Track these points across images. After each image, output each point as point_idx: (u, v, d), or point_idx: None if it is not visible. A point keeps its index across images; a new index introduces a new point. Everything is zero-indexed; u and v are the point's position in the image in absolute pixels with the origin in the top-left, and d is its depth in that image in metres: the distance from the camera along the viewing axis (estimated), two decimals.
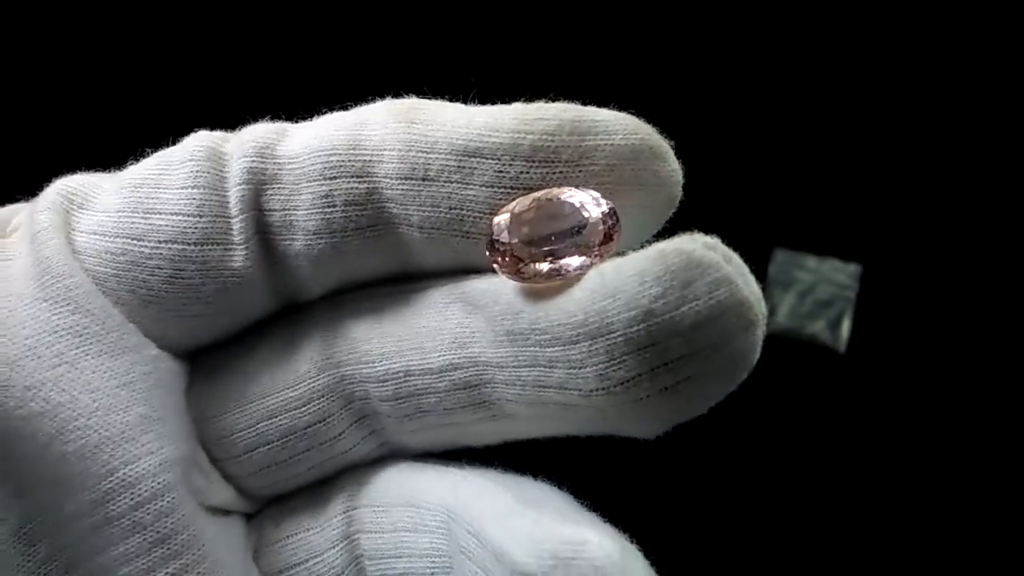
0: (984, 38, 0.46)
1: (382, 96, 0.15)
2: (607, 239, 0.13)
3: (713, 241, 0.12)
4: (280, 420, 0.15)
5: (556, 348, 0.13)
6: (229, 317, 0.15)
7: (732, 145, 0.45)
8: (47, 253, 0.14)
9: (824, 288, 0.43)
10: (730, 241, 0.13)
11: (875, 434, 0.42)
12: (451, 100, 0.15)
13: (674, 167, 0.13)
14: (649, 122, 0.14)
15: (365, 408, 0.15)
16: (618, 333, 0.12)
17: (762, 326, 0.12)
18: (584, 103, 0.14)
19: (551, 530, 0.12)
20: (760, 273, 0.49)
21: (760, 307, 0.12)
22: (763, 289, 0.46)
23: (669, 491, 0.40)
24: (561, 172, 0.13)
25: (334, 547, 0.15)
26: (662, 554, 0.14)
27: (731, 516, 0.41)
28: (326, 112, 0.15)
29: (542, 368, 0.13)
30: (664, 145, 0.13)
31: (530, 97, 0.14)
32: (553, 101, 0.13)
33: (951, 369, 0.42)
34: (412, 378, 0.14)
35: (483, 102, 0.14)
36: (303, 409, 0.15)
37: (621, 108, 0.14)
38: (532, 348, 0.13)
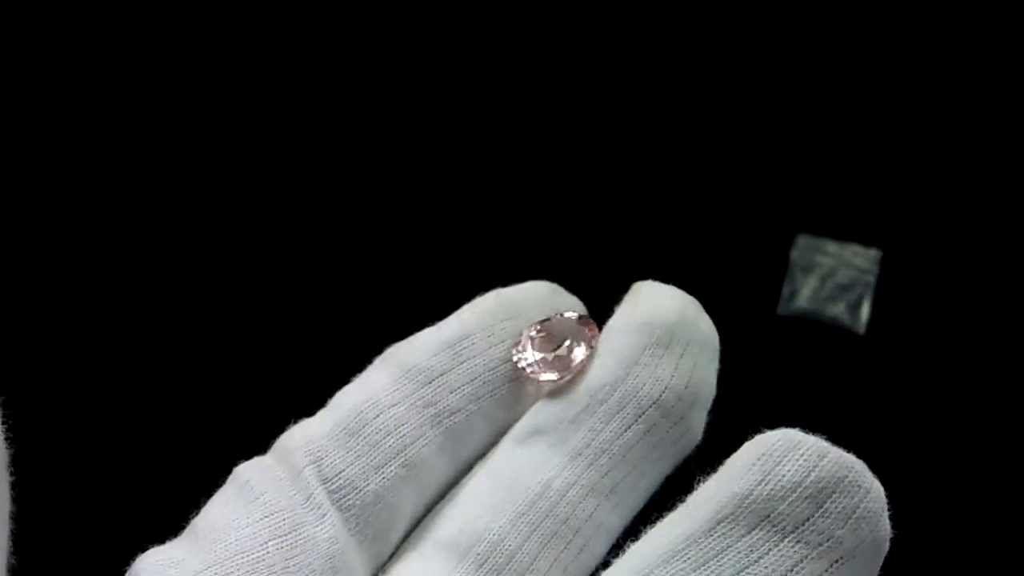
0: (1002, 23, 0.46)
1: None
2: (588, 328, 0.17)
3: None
4: None
5: (618, 390, 0.16)
6: None
7: (756, 133, 0.46)
8: None
9: (845, 272, 0.44)
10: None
11: (893, 413, 0.43)
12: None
13: (569, 298, 0.18)
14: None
15: None
16: (648, 346, 0.16)
17: (696, 302, 0.17)
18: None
19: (731, 468, 0.14)
20: (783, 257, 0.50)
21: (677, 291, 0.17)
22: (786, 273, 0.47)
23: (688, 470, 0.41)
24: (523, 319, 0.17)
25: None
26: None
27: None
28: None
29: (616, 415, 0.16)
30: (556, 287, 0.18)
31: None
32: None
33: (968, 352, 0.43)
34: (524, 517, 0.16)
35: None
36: None
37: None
38: (600, 408, 0.16)
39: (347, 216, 0.45)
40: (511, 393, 0.17)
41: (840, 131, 0.46)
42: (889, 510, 0.14)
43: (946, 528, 0.41)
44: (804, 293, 0.44)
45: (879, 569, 0.15)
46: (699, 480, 0.15)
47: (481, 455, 0.17)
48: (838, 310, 0.44)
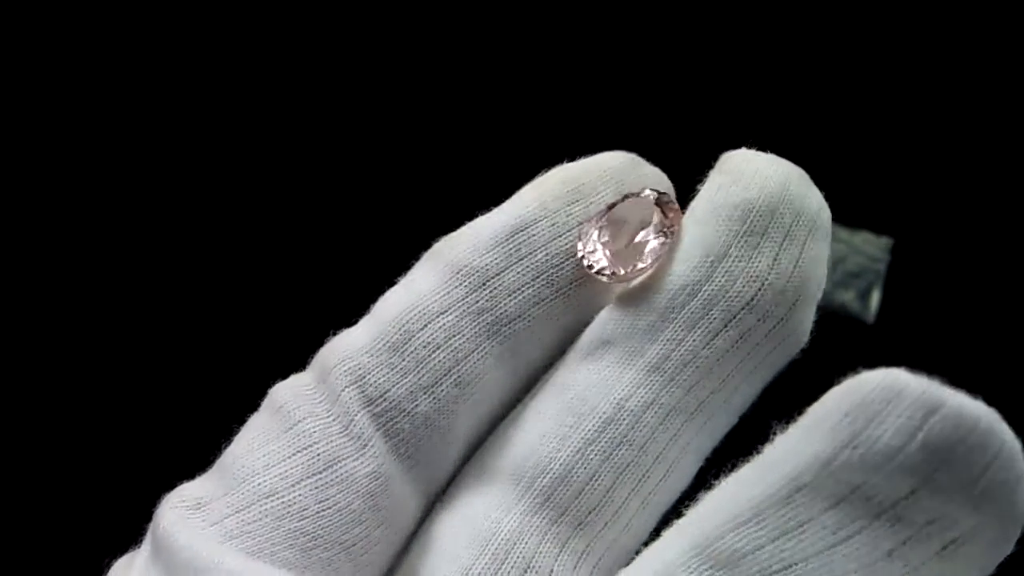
0: (1017, 10, 0.46)
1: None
2: (664, 212, 0.14)
3: (742, 149, 0.15)
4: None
5: (703, 290, 0.14)
6: (387, 531, 0.14)
7: (767, 120, 0.46)
8: (189, 555, 0.13)
9: (855, 259, 0.44)
10: None
11: None
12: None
13: (653, 169, 0.16)
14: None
15: (564, 529, 0.14)
16: (741, 232, 0.14)
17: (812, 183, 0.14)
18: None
19: (817, 412, 0.12)
20: None
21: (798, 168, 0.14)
22: None
23: None
24: (591, 203, 0.15)
25: None
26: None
27: None
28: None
29: (702, 320, 0.14)
30: (635, 156, 0.16)
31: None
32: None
33: (978, 341, 0.43)
34: (594, 444, 0.14)
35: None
36: (502, 570, 0.14)
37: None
38: (683, 311, 0.14)
39: (347, 206, 0.45)
40: (581, 294, 0.15)
41: (852, 119, 0.46)
42: None
43: None
44: None
45: (1011, 551, 0.11)
46: (776, 428, 0.12)
47: (548, 365, 0.15)
48: (848, 297, 0.44)
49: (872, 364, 0.41)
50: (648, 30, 0.47)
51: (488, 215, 0.15)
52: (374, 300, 0.15)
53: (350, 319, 0.16)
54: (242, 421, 0.15)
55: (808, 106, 0.46)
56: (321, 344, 0.15)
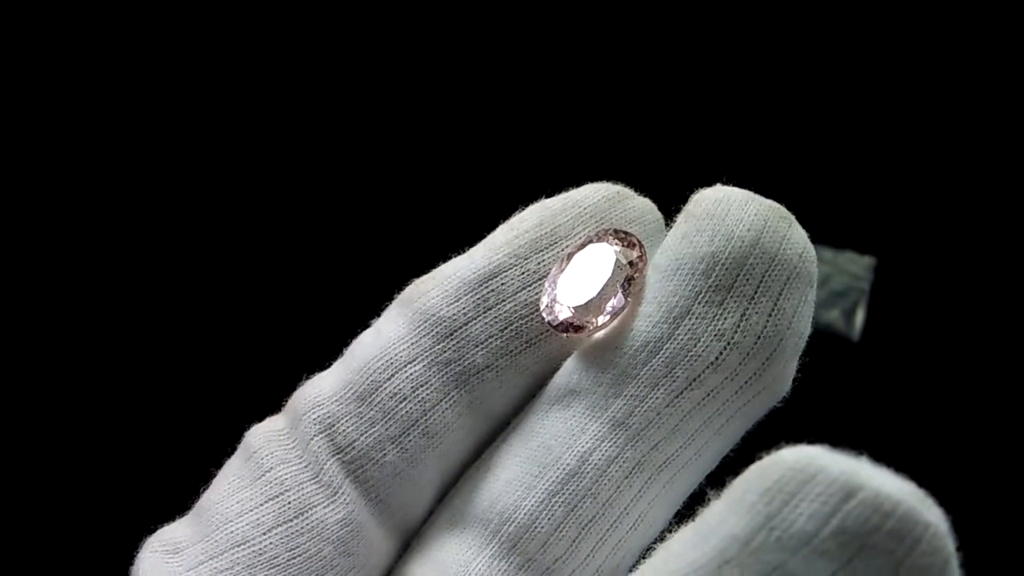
0: (1001, 28, 0.46)
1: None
2: (631, 260, 0.14)
3: (715, 185, 0.14)
4: None
5: (664, 348, 0.13)
6: (358, 575, 0.14)
7: (750, 140, 0.46)
8: None
9: (840, 279, 0.45)
10: None
11: (887, 420, 0.43)
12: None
13: (643, 200, 0.15)
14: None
15: (531, 574, 0.14)
16: (705, 289, 0.13)
17: (796, 223, 0.13)
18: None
19: (738, 488, 0.11)
20: None
21: (784, 209, 0.13)
22: None
23: None
24: (566, 246, 0.15)
25: None
26: None
27: None
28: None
29: (664, 378, 0.13)
30: (625, 189, 0.15)
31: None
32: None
33: (962, 359, 0.43)
34: (558, 496, 0.14)
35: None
36: None
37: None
38: (644, 369, 0.13)
39: (347, 201, 0.45)
40: (550, 343, 0.14)
41: (834, 138, 0.46)
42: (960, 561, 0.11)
43: None
44: None
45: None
46: (710, 494, 0.12)
47: (518, 408, 0.15)
48: (833, 316, 0.44)
49: (858, 383, 0.41)
50: (609, 64, 0.47)
51: (459, 259, 0.15)
52: (355, 328, 0.15)
53: (331, 350, 0.16)
54: (221, 451, 0.15)
55: (792, 125, 0.47)
56: (300, 376, 0.16)
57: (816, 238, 0.14)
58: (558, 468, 0.14)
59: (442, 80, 0.47)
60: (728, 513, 0.11)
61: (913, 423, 0.43)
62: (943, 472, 0.42)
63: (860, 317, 0.44)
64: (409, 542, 0.15)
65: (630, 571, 0.14)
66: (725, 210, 0.13)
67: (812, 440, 0.11)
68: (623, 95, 0.47)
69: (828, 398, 0.43)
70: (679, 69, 0.47)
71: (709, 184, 0.15)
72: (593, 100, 0.47)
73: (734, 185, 0.14)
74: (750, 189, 0.14)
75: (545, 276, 0.14)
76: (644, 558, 0.14)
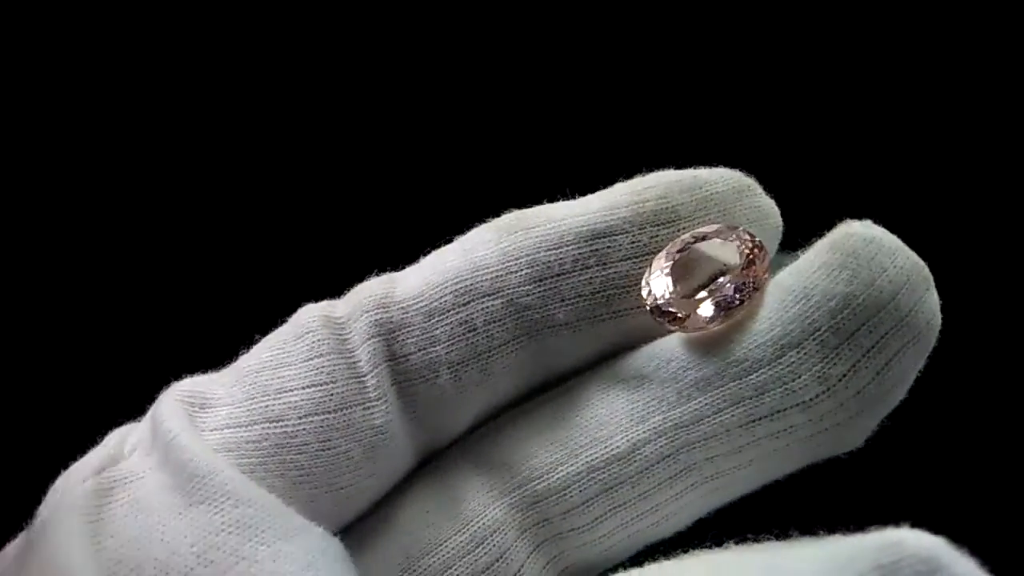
0: (973, 33, 0.47)
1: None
2: (758, 261, 0.13)
3: (868, 221, 0.13)
4: (455, 570, 0.14)
5: (761, 371, 0.13)
6: (377, 480, 0.14)
7: (723, 148, 0.46)
8: (188, 456, 0.13)
9: None
10: None
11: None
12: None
13: (770, 200, 0.15)
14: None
15: (543, 532, 0.14)
16: (825, 328, 0.12)
17: (934, 288, 0.13)
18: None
19: (849, 549, 0.11)
20: None
21: (927, 269, 0.13)
22: None
23: None
24: (684, 228, 0.14)
25: None
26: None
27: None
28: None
29: (749, 400, 0.13)
30: (755, 183, 0.15)
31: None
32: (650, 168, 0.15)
33: (943, 359, 0.44)
34: (598, 473, 0.14)
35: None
36: (477, 552, 0.14)
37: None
38: (731, 384, 0.13)
39: (347, 198, 0.45)
40: (636, 320, 0.14)
41: (807, 145, 0.47)
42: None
43: (926, 526, 0.41)
44: None
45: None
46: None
47: (578, 372, 0.15)
48: None
49: None
50: (579, 75, 0.47)
51: (573, 205, 0.14)
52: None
53: None
54: None
55: (765, 133, 0.47)
56: None
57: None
58: (607, 447, 0.14)
59: (434, 77, 0.46)
60: None
61: (897, 423, 0.43)
62: (927, 471, 0.42)
63: None
64: (429, 462, 0.15)
65: (632, 560, 0.14)
66: (872, 254, 0.13)
67: None
68: (602, 91, 0.47)
69: None
70: (661, 69, 0.47)
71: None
72: (576, 95, 0.47)
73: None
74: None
75: (655, 252, 0.14)
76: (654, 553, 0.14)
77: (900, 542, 0.10)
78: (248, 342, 0.16)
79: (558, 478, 0.14)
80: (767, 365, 0.12)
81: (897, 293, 0.12)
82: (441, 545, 0.14)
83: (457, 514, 0.14)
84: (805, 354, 0.12)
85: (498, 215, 0.15)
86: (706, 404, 0.13)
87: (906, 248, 0.13)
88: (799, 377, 0.12)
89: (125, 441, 0.14)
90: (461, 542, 0.14)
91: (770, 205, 0.15)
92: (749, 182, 0.14)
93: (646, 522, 0.14)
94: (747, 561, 0.11)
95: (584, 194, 0.15)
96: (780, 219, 0.15)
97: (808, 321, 0.12)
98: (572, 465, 0.14)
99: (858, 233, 0.13)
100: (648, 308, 0.13)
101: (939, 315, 0.13)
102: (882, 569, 0.10)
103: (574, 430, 0.14)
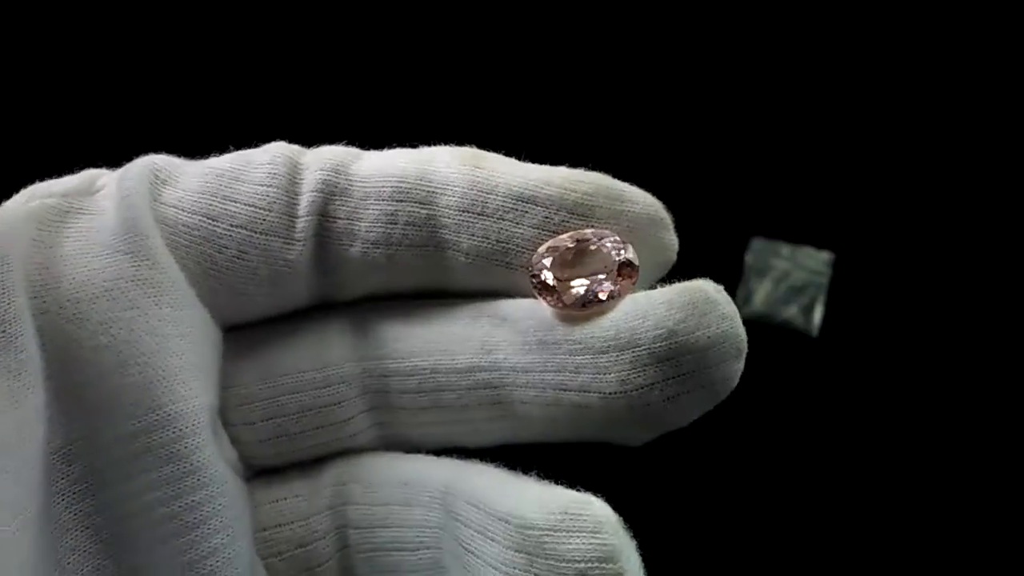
0: (959, 28, 0.47)
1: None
2: (629, 277, 0.16)
3: (720, 287, 0.15)
4: (300, 396, 0.17)
5: (586, 356, 0.15)
6: (272, 301, 0.17)
7: (710, 138, 0.46)
8: (133, 214, 0.16)
9: (798, 275, 0.45)
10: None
11: (846, 415, 0.43)
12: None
13: (674, 237, 0.17)
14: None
15: (379, 401, 0.17)
16: (644, 347, 0.15)
17: (744, 358, 0.15)
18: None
19: (558, 492, 0.15)
20: (738, 261, 0.50)
21: (745, 343, 0.15)
22: (741, 276, 0.48)
23: (637, 470, 0.41)
24: (592, 225, 0.16)
25: (320, 513, 0.17)
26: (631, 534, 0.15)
27: (701, 495, 0.42)
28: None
29: (568, 373, 0.15)
30: (669, 219, 0.16)
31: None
32: (589, 165, 0.17)
33: (920, 353, 0.44)
34: (438, 375, 0.16)
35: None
36: (324, 390, 0.17)
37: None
38: (562, 355, 0.15)
39: None
40: (522, 276, 0.16)
41: (793, 136, 0.47)
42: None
43: (895, 520, 0.41)
44: (759, 296, 0.45)
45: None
46: None
47: (465, 294, 0.17)
48: (791, 312, 0.45)
49: (817, 378, 0.41)
50: (590, 56, 0.47)
51: (524, 167, 0.16)
52: None
53: None
54: None
55: (750, 124, 0.47)
56: None
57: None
58: (453, 358, 0.16)
59: (430, 75, 0.46)
60: None
61: (872, 418, 0.43)
62: (901, 465, 0.42)
63: (819, 313, 0.45)
64: (319, 305, 0.17)
65: (439, 452, 0.17)
66: (707, 310, 0.15)
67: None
68: (585, 92, 0.47)
69: (786, 393, 0.43)
70: (643, 75, 0.47)
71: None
72: (576, 94, 0.47)
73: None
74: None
75: (559, 233, 0.16)
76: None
77: (590, 502, 0.14)
78: None
79: (408, 365, 0.17)
80: (592, 353, 0.15)
81: (710, 348, 0.15)
82: (298, 373, 0.17)
83: (320, 355, 0.17)
84: (621, 359, 0.15)
85: None
86: (538, 361, 0.16)
87: (735, 320, 0.15)
88: (608, 373, 0.15)
89: (95, 181, 0.17)
90: (315, 377, 0.17)
91: (672, 242, 0.16)
92: (663, 216, 0.16)
93: (459, 429, 0.17)
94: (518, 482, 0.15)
95: None
96: (674, 256, 0.17)
97: (635, 335, 0.15)
98: (422, 360, 0.16)
99: (705, 291, 0.15)
100: (530, 273, 0.16)
101: (736, 380, 0.15)
102: (565, 515, 0.14)
103: (436, 334, 0.17)
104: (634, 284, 0.16)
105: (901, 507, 0.42)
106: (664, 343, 0.15)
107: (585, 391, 0.15)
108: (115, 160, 0.17)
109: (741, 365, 0.15)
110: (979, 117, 0.47)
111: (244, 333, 0.17)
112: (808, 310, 0.44)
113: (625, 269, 0.16)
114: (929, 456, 0.43)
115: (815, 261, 0.45)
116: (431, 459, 0.17)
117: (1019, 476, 0.42)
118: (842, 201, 0.46)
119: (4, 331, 0.14)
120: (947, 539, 0.41)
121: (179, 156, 0.17)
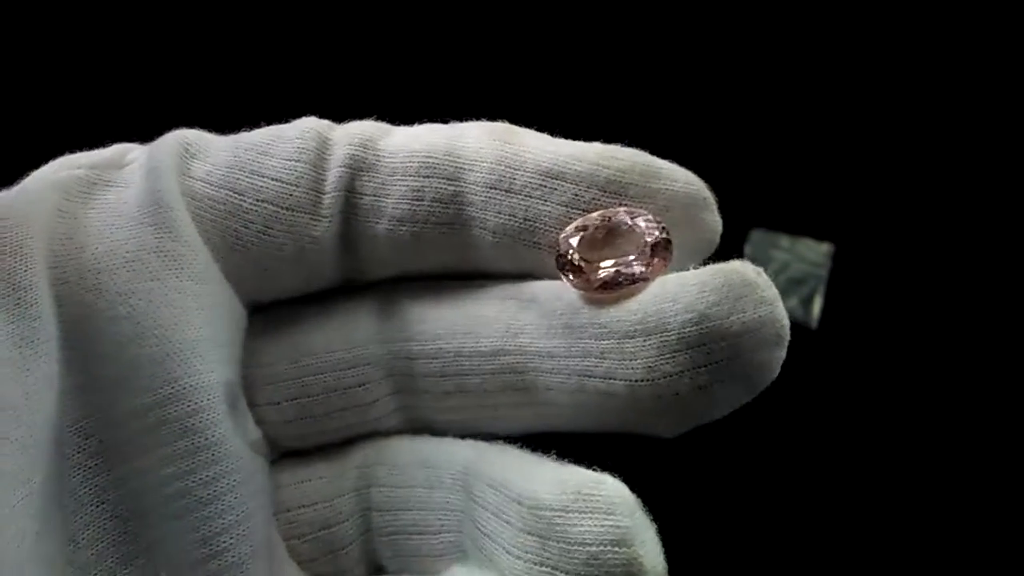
0: (958, 22, 0.47)
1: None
2: (662, 259, 0.15)
3: (760, 270, 0.14)
4: (326, 377, 0.17)
5: (611, 340, 0.14)
6: (297, 279, 0.17)
7: (710, 130, 0.46)
8: (159, 186, 0.16)
9: (798, 266, 0.45)
10: None
11: (845, 407, 0.43)
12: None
13: (717, 218, 0.15)
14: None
15: (404, 383, 0.17)
16: (673, 331, 0.14)
17: (786, 346, 0.14)
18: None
19: (574, 471, 0.14)
20: (737, 252, 0.50)
21: (787, 329, 0.14)
22: None
23: (639, 463, 0.41)
24: (626, 204, 0.15)
25: (344, 495, 0.17)
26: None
27: (697, 487, 0.42)
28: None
29: (593, 358, 0.14)
30: (712, 198, 0.15)
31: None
32: (625, 143, 0.16)
33: (919, 345, 0.44)
34: (461, 359, 0.16)
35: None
36: (349, 371, 0.17)
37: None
38: (587, 340, 0.15)
39: None
40: (549, 256, 0.16)
41: (793, 128, 0.47)
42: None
43: (893, 513, 0.41)
44: None
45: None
46: None
47: (492, 275, 0.16)
48: (791, 304, 0.45)
49: (816, 370, 0.41)
50: (590, 51, 0.47)
51: (552, 141, 0.16)
52: None
53: None
54: None
55: (750, 116, 0.47)
56: None
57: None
58: (478, 341, 0.16)
59: (434, 77, 0.46)
60: None
61: (871, 409, 0.43)
62: (900, 457, 0.43)
63: (818, 305, 0.45)
64: (345, 287, 0.17)
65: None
66: (743, 293, 0.14)
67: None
68: (585, 86, 0.46)
69: (785, 385, 0.43)
70: (643, 69, 0.47)
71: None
72: (574, 95, 0.46)
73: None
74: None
75: (590, 212, 0.15)
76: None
77: (603, 481, 0.14)
78: None
79: (433, 347, 0.16)
80: (617, 338, 0.14)
81: (744, 334, 0.13)
82: (325, 353, 0.17)
83: (347, 336, 0.17)
84: (648, 344, 0.14)
85: None
86: (563, 345, 0.15)
87: (776, 304, 0.14)
88: (634, 360, 0.14)
89: (126, 155, 0.17)
90: (341, 358, 0.17)
91: (715, 223, 0.15)
92: (706, 195, 0.15)
93: (483, 415, 0.16)
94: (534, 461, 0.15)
95: None
96: (715, 239, 0.16)
97: (663, 319, 0.14)
98: (447, 343, 0.16)
99: (742, 272, 0.14)
100: (557, 253, 0.15)
101: (775, 371, 0.14)
102: (578, 495, 0.13)
103: (461, 316, 0.16)
104: (667, 267, 0.15)
105: (899, 500, 0.42)
106: (695, 328, 0.14)
107: (610, 378, 0.14)
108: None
109: (782, 354, 0.14)
110: (978, 110, 0.46)
111: (271, 312, 0.17)
112: (807, 302, 0.44)
113: (658, 250, 0.14)
114: (927, 448, 0.43)
115: (814, 253, 0.45)
116: (455, 441, 0.16)
117: (1017, 469, 0.42)
118: (841, 193, 0.46)
119: (19, 298, 0.14)
120: (944, 532, 0.41)
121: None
